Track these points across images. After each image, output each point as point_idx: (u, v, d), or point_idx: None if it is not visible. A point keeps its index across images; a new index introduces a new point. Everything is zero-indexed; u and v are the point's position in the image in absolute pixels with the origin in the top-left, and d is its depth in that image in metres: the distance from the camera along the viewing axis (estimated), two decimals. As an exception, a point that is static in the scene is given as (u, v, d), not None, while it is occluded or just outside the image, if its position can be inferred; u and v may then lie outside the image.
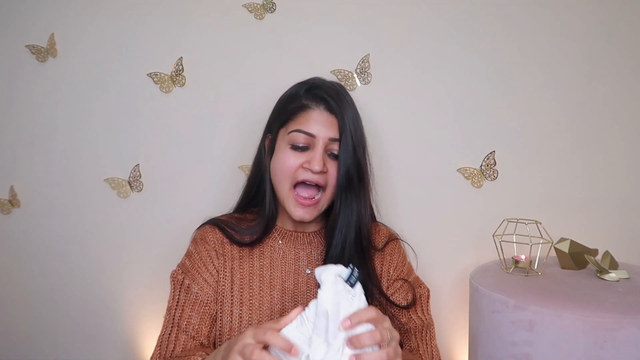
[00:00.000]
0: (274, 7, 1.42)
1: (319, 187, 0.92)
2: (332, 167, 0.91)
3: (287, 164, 0.91)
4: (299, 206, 0.91)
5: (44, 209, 1.47)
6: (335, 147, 0.91)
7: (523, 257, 1.22)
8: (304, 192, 0.92)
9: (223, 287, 0.93)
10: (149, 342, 1.48)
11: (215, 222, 0.99)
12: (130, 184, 1.45)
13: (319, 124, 0.90)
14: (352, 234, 0.93)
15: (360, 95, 1.42)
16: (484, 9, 1.41)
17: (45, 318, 1.49)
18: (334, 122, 0.91)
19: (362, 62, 1.42)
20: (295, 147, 0.91)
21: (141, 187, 1.45)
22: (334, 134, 0.90)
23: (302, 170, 0.90)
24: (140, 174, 1.45)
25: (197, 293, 0.91)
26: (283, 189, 0.92)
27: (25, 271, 1.49)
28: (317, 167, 0.88)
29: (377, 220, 1.10)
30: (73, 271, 1.48)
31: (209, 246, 0.95)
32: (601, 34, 1.41)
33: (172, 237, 1.43)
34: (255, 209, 1.02)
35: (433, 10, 1.41)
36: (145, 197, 1.45)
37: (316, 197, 0.92)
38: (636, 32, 1.40)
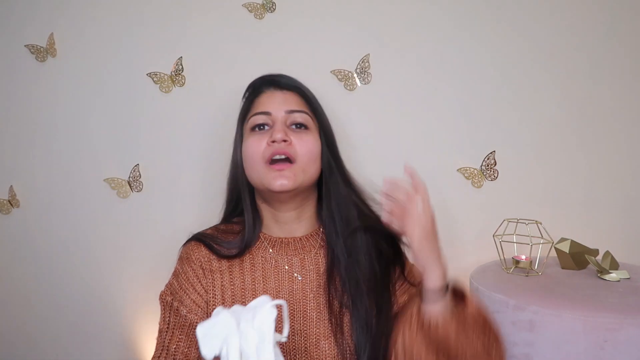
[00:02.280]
0: (274, 7, 1.42)
1: (290, 161, 0.89)
2: (297, 138, 0.89)
3: (252, 146, 0.90)
4: (277, 174, 0.87)
5: (43, 209, 1.47)
6: (297, 118, 0.91)
7: (523, 257, 1.22)
8: (277, 165, 0.89)
9: (214, 307, 0.89)
10: (148, 342, 1.48)
11: (199, 238, 0.96)
12: (130, 184, 1.45)
13: (271, 102, 0.92)
14: (353, 210, 0.92)
15: (360, 95, 1.42)
16: (484, 9, 1.41)
17: (45, 318, 1.49)
18: (288, 97, 0.92)
19: (362, 62, 1.42)
20: (255, 128, 0.91)
21: (141, 187, 1.45)
22: (290, 106, 0.91)
23: (268, 147, 0.88)
24: (140, 174, 1.45)
25: (185, 316, 0.89)
26: (258, 169, 0.89)
27: (25, 271, 1.49)
28: (278, 135, 0.87)
29: None
30: (73, 271, 1.47)
31: (195, 265, 0.92)
32: (602, 33, 1.41)
33: (171, 237, 1.42)
34: (239, 219, 0.99)
35: (433, 10, 1.41)
36: (145, 197, 1.45)
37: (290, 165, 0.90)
38: (637, 31, 1.40)
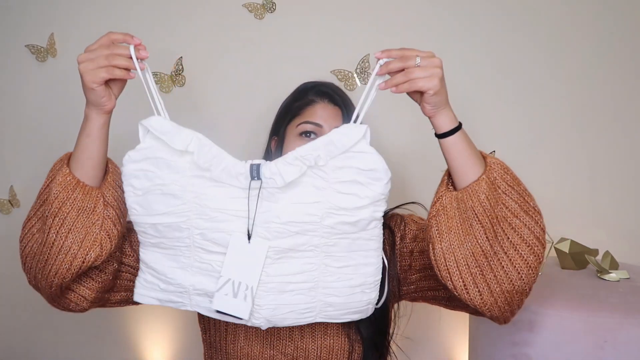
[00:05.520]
0: (274, 7, 1.42)
1: None
2: None
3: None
4: None
5: (43, 209, 1.47)
6: None
7: (523, 257, 1.22)
8: None
9: None
10: (149, 342, 1.48)
11: None
12: (130, 184, 1.45)
13: (325, 116, 0.97)
14: None
15: (361, 95, 1.41)
16: (484, 8, 1.41)
17: (45, 318, 1.49)
18: (338, 114, 0.99)
19: (362, 62, 1.42)
20: (303, 134, 0.97)
21: (141, 187, 1.45)
22: (338, 123, 0.97)
23: None
24: (140, 174, 1.45)
25: None
26: None
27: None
28: None
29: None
30: (73, 271, 1.47)
31: None
32: (602, 32, 1.41)
33: (172, 237, 1.43)
34: None
35: (433, 10, 1.41)
36: (145, 197, 1.45)
37: None
38: (638, 30, 1.40)
